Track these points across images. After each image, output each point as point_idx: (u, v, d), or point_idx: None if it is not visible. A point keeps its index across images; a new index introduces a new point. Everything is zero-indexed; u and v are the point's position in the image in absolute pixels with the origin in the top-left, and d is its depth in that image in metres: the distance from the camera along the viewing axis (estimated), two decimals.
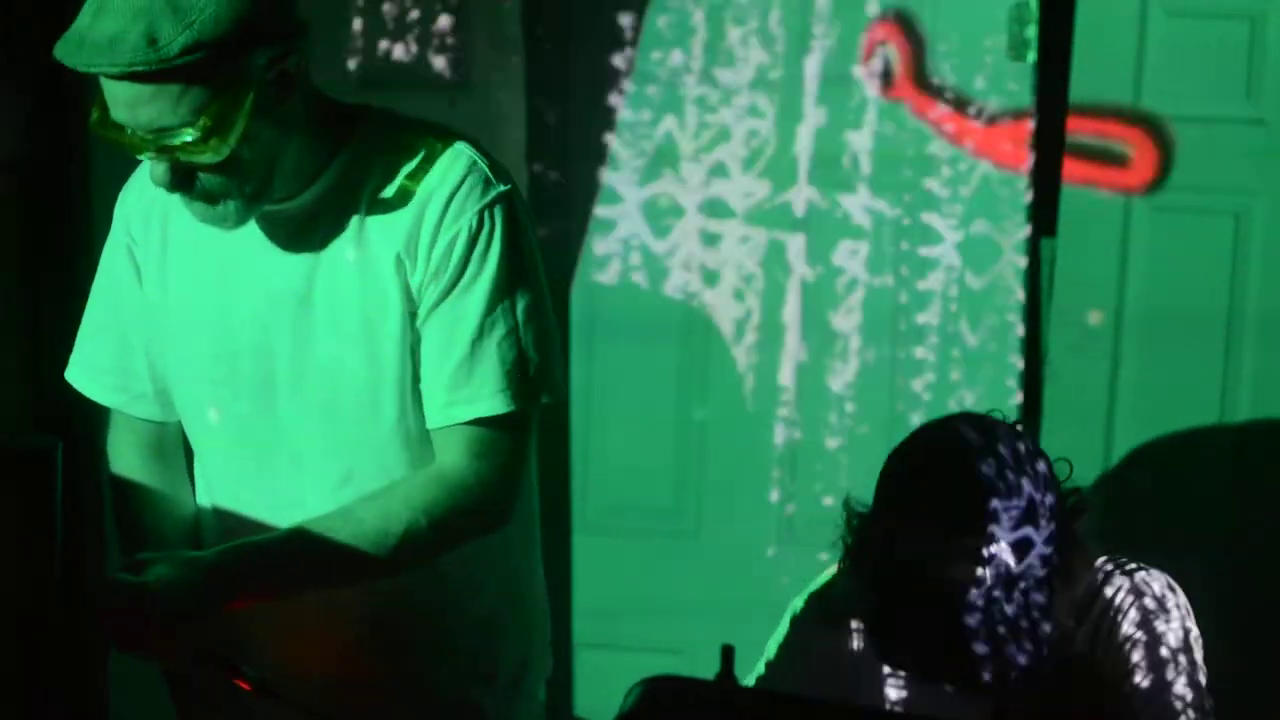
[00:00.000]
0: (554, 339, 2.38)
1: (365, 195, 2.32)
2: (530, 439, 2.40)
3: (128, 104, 2.16)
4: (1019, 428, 2.43)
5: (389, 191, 2.31)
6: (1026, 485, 2.31)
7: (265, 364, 2.37)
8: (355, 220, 2.32)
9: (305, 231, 2.33)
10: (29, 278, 3.55)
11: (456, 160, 2.32)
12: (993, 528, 2.28)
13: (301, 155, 2.29)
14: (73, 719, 2.34)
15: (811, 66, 3.81)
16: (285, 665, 2.48)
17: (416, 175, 2.31)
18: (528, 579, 2.59)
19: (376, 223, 2.31)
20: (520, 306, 2.33)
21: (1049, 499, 2.33)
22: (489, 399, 2.32)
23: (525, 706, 2.57)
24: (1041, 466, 2.35)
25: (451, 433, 2.33)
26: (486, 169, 2.32)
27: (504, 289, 2.31)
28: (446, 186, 2.30)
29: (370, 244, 2.31)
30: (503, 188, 2.32)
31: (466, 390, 2.32)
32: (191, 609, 2.18)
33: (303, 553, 2.28)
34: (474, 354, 2.31)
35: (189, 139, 2.16)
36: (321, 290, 2.33)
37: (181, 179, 2.22)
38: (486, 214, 2.30)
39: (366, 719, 2.47)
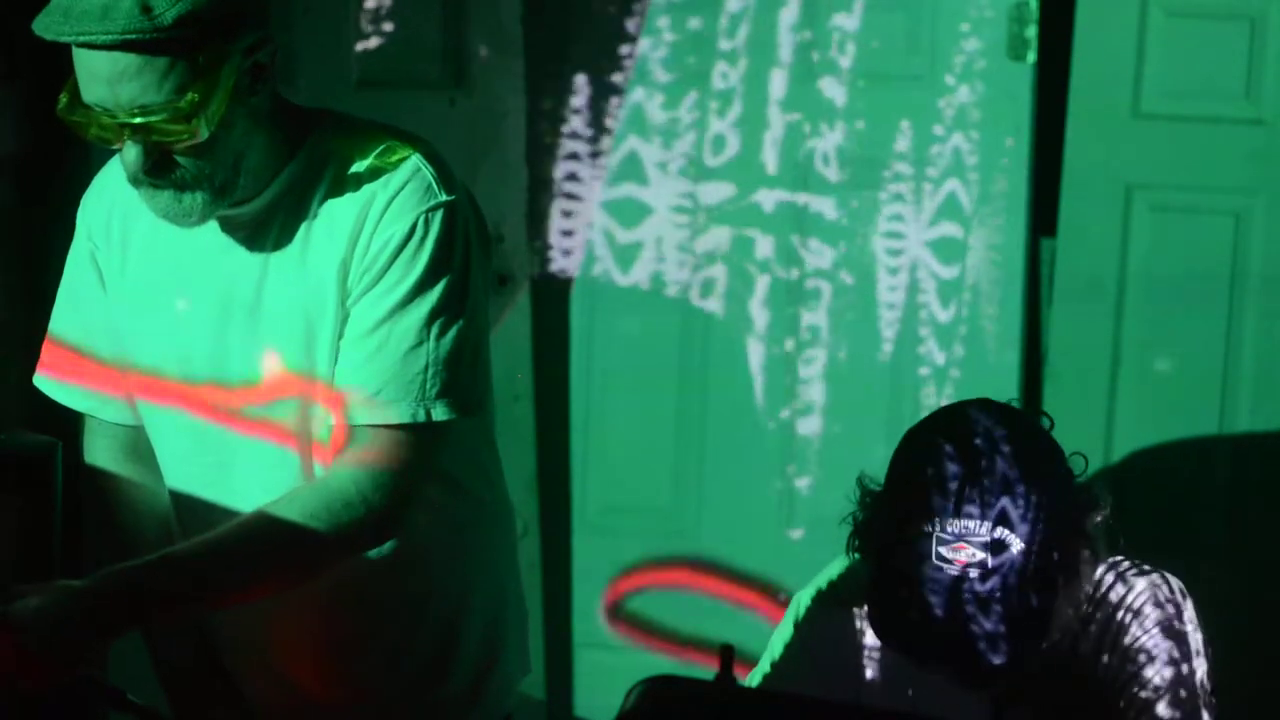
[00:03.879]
0: (472, 356, 2.32)
1: (315, 200, 2.31)
2: (430, 452, 2.31)
3: (110, 80, 2.14)
4: (1039, 418, 2.43)
5: (336, 197, 2.30)
6: (1039, 477, 2.31)
7: (220, 370, 2.36)
8: (304, 226, 2.31)
9: (258, 236, 2.32)
10: (28, 278, 3.55)
11: (401, 165, 2.30)
12: (1003, 517, 2.28)
13: (263, 155, 2.29)
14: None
15: (816, 66, 3.81)
16: (241, 665, 2.48)
17: (363, 181, 2.29)
18: (492, 584, 2.54)
19: (322, 229, 2.30)
20: (438, 319, 2.28)
21: (1061, 492, 2.33)
22: (384, 407, 2.27)
23: (485, 710, 2.55)
24: (1056, 459, 2.35)
25: (344, 435, 2.29)
26: (431, 176, 2.30)
27: (424, 299, 2.27)
28: (388, 191, 2.28)
29: (315, 250, 2.30)
30: (445, 197, 2.29)
31: (363, 394, 2.27)
32: (59, 637, 2.13)
33: (177, 574, 2.23)
34: (378, 359, 2.27)
35: (170, 116, 2.15)
36: (270, 296, 2.32)
37: (155, 163, 2.20)
38: (421, 220, 2.27)
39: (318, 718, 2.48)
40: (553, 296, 3.94)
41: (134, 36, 2.11)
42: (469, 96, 3.81)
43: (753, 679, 2.59)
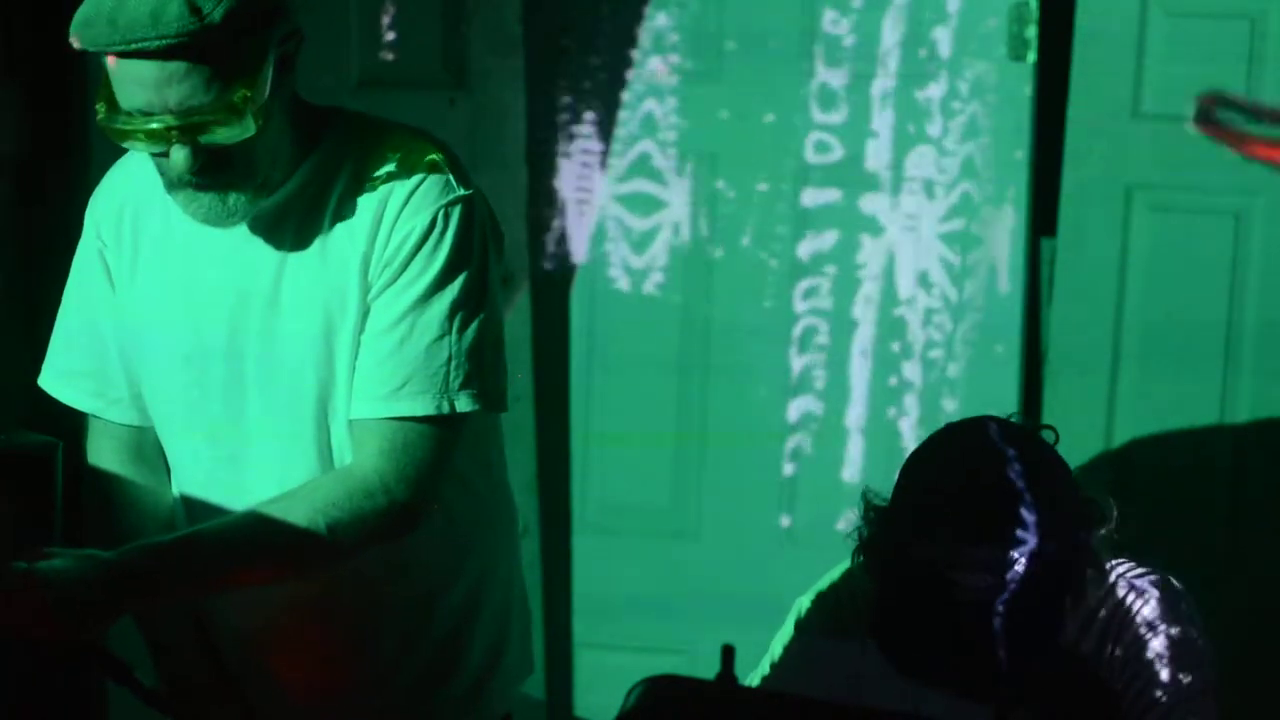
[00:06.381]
0: (492, 348, 2.36)
1: (333, 196, 2.33)
2: (452, 445, 2.34)
3: (158, 84, 2.15)
4: (1044, 434, 2.43)
5: (355, 192, 2.32)
6: (1044, 494, 2.30)
7: (235, 366, 2.37)
8: (322, 221, 2.33)
9: (275, 231, 2.34)
10: (28, 278, 3.55)
11: (420, 161, 2.33)
12: (1008, 535, 2.27)
13: (288, 148, 2.31)
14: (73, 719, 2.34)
15: (814, 64, 3.81)
16: (249, 662, 2.48)
17: (381, 176, 2.32)
18: (501, 582, 2.56)
19: (342, 224, 2.32)
20: (459, 312, 2.31)
21: (1066, 509, 2.33)
22: (408, 399, 2.30)
23: (486, 708, 2.55)
24: (1061, 475, 2.35)
25: (368, 428, 2.32)
26: (449, 171, 2.33)
27: (445, 292, 2.30)
28: (407, 185, 2.31)
29: (335, 245, 2.32)
30: (463, 191, 2.33)
31: (387, 387, 2.30)
32: (80, 601, 2.15)
33: (201, 554, 2.26)
34: (401, 352, 2.30)
35: (224, 114, 2.15)
36: (288, 291, 2.33)
37: (204, 163, 2.21)
38: (441, 214, 2.30)
39: (321, 718, 2.48)
40: (553, 296, 3.94)
41: (187, 39, 2.12)
42: (469, 96, 3.81)
43: (751, 681, 2.59)
